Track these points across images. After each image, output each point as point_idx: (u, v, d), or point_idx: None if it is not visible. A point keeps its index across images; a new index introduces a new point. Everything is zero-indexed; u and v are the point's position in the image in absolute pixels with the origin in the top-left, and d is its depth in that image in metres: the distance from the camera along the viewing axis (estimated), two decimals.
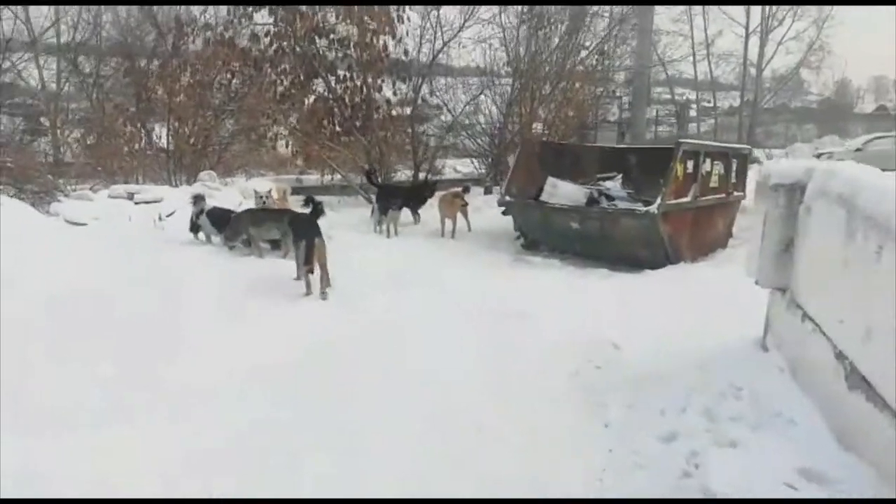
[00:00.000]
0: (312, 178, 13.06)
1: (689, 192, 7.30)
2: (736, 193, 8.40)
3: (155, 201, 9.40)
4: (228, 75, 11.73)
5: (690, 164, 7.29)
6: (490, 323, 4.86)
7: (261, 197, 8.08)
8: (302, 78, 12.39)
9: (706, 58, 28.25)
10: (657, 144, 14.36)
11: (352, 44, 12.22)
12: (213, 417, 3.39)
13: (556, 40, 13.60)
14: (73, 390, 3.57)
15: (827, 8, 26.95)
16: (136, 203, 9.31)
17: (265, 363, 4.02)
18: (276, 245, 7.27)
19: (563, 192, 7.51)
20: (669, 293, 5.67)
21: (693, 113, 25.32)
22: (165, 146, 12.60)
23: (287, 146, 13.00)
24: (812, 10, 27.25)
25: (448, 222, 9.04)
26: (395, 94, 12.88)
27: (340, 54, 12.43)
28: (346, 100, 12.59)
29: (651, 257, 7.12)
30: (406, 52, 12.65)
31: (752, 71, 28.46)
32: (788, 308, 3.53)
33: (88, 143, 13.78)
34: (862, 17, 29.44)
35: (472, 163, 14.65)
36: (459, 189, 9.56)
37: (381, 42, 12.26)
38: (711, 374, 3.61)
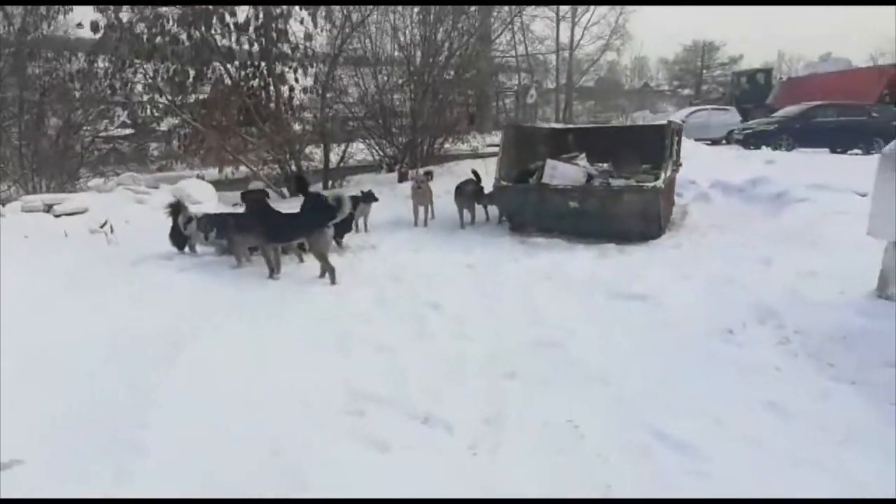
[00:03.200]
0: (213, 174, 11.90)
1: (669, 167, 7.98)
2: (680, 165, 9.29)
3: (79, 212, 8.03)
4: (120, 63, 10.16)
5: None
6: (616, 307, 4.98)
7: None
8: (196, 66, 11.16)
9: (524, 42, 30.27)
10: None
11: (251, 28, 11.27)
12: None
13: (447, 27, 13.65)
14: None
15: None
16: (57, 216, 7.86)
17: None
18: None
19: (562, 173, 7.75)
20: (718, 258, 6.25)
21: (532, 96, 27.09)
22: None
23: (182, 139, 11.66)
24: None
25: (421, 210, 8.89)
26: (297, 81, 12.12)
27: (236, 38, 11.39)
28: (246, 88, 11.62)
29: (646, 230, 7.62)
30: (310, 37, 11.93)
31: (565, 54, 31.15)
32: None
33: None
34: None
35: (367, 148, 14.21)
36: (423, 174, 9.32)
37: (283, 27, 11.47)
38: None
